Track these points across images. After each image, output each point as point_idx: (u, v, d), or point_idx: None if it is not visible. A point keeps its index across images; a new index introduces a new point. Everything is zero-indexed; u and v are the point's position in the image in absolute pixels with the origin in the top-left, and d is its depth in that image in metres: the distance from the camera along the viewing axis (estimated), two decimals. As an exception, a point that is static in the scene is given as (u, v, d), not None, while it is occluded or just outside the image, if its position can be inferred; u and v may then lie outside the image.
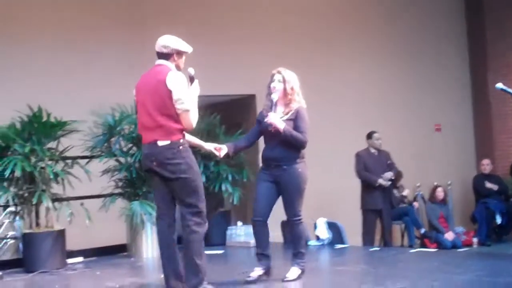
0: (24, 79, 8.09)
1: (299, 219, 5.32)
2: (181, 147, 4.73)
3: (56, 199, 6.93)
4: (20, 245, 7.14)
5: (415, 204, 10.74)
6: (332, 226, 8.03)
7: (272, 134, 5.26)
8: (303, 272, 5.35)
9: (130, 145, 7.51)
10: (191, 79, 4.90)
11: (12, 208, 7.16)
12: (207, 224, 4.85)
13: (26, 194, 6.82)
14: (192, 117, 4.75)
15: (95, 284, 6.12)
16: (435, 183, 11.05)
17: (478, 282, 5.19)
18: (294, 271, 5.32)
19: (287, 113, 5.31)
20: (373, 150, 8.83)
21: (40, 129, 6.88)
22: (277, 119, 5.24)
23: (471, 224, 11.22)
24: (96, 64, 8.62)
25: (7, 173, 6.55)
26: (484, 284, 5.13)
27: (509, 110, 11.70)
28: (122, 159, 7.50)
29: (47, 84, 8.18)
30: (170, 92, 4.67)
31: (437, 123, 11.94)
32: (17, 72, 8.10)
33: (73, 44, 8.48)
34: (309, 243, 7.75)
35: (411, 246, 9.89)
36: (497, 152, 11.86)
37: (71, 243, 7.03)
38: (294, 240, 5.42)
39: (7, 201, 6.85)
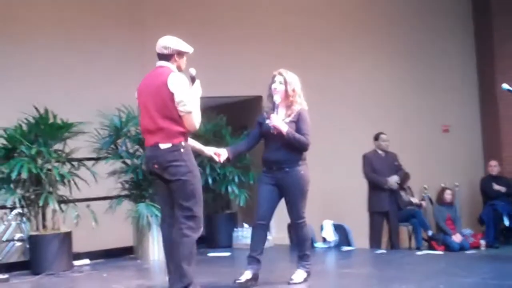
0: (24, 79, 8.07)
1: (303, 222, 5.30)
2: (182, 150, 4.69)
3: (62, 201, 6.94)
4: (27, 247, 7.16)
5: (423, 203, 10.68)
6: (338, 228, 8.02)
7: (274, 137, 5.23)
8: (309, 274, 5.34)
9: (137, 146, 7.50)
10: (193, 80, 4.87)
11: (18, 210, 7.13)
12: (201, 229, 4.78)
13: (32, 196, 6.83)
14: (195, 119, 4.71)
15: (101, 286, 6.12)
16: (443, 185, 11.00)
17: (484, 285, 5.18)
18: (299, 274, 5.31)
19: (289, 115, 5.28)
20: (380, 152, 8.79)
21: (46, 130, 6.89)
22: (280, 122, 5.21)
23: (478, 226, 11.14)
24: (96, 64, 8.60)
25: (13, 175, 6.55)
26: (490, 287, 5.12)
27: (516, 111, 11.65)
28: (128, 161, 7.51)
29: (47, 84, 8.16)
30: (171, 94, 4.64)
31: (445, 124, 11.89)
32: (17, 72, 8.08)
33: (73, 44, 8.45)
34: (316, 245, 7.75)
35: (418, 248, 9.81)
36: (504, 153, 11.78)
37: (78, 245, 7.04)
38: (299, 242, 5.41)
39: (14, 203, 6.86)
